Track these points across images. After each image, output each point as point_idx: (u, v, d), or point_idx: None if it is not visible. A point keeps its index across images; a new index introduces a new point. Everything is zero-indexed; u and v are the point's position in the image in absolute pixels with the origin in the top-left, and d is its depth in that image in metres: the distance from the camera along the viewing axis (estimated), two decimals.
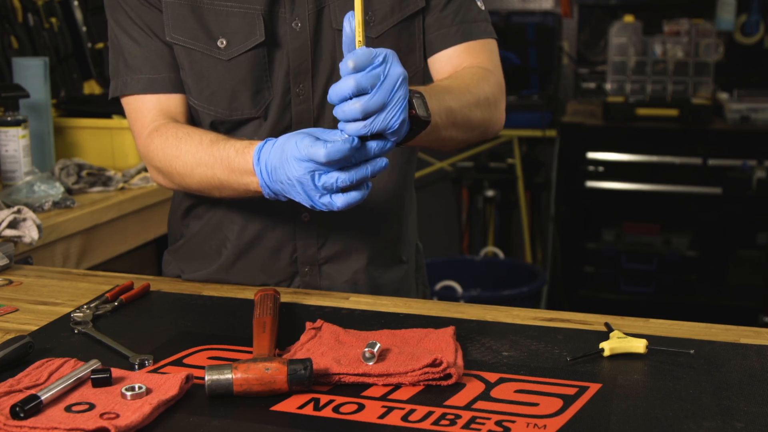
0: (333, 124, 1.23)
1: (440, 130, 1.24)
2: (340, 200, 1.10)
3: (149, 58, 1.36)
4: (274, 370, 0.95)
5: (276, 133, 1.33)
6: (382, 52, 1.06)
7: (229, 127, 1.37)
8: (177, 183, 1.35)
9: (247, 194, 1.25)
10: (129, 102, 1.39)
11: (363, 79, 1.04)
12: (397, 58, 1.07)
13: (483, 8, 1.43)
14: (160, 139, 1.33)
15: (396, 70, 1.06)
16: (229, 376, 0.95)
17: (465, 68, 1.38)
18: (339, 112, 1.06)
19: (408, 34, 1.39)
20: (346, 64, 1.04)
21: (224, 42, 1.33)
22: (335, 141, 1.06)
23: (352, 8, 1.33)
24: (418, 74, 1.43)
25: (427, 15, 1.40)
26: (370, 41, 1.35)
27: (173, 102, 1.38)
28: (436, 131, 1.22)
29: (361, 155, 1.08)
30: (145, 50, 1.36)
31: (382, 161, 1.10)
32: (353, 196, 1.10)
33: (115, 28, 1.38)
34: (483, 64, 1.39)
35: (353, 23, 1.07)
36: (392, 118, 1.06)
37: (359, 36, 1.07)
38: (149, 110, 1.37)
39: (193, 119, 1.40)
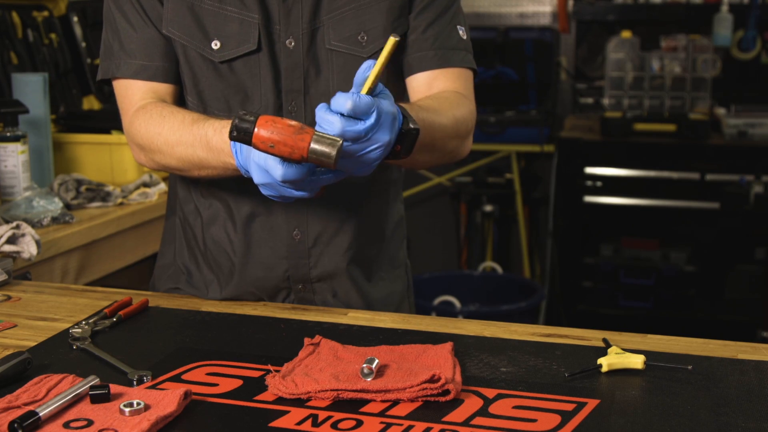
0: None
1: (419, 150, 1.23)
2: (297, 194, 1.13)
3: (145, 44, 1.37)
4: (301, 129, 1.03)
5: None
6: (381, 109, 1.08)
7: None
8: (158, 162, 1.35)
9: (227, 173, 1.26)
10: (120, 84, 1.40)
11: (348, 131, 1.06)
12: (392, 98, 1.11)
13: (465, 38, 1.44)
14: (144, 117, 1.34)
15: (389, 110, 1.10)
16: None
17: (442, 91, 1.38)
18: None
19: (397, 58, 1.40)
20: (343, 104, 1.06)
21: (218, 44, 1.34)
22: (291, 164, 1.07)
23: (346, 28, 1.35)
24: (400, 97, 1.44)
25: (408, 35, 1.40)
26: (362, 61, 1.36)
27: (163, 89, 1.39)
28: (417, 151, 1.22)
29: (313, 182, 1.11)
30: (141, 36, 1.37)
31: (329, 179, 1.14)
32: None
33: (114, 10, 1.39)
34: (458, 90, 1.40)
35: (371, 70, 1.09)
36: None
37: (369, 82, 1.09)
38: (139, 89, 1.38)
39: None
